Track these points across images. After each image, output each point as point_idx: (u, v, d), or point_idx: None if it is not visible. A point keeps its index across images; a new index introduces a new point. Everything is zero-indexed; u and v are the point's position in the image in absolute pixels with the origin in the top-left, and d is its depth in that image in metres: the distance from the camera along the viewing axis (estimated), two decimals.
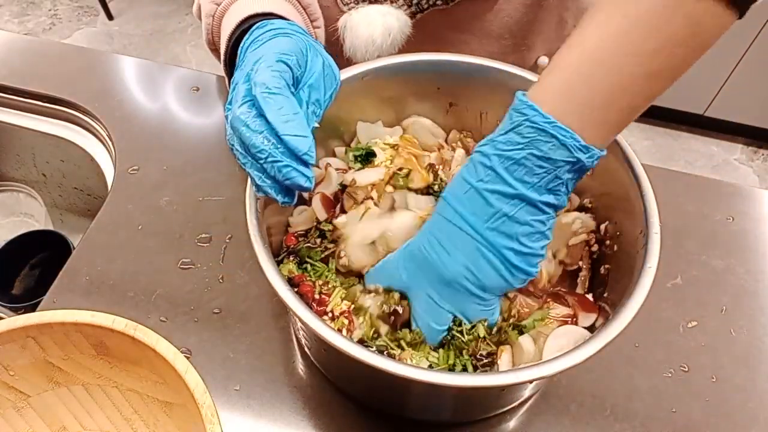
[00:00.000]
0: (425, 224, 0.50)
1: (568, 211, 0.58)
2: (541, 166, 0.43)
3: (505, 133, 0.44)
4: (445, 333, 0.49)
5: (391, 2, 0.64)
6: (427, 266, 0.48)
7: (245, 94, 0.42)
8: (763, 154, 2.14)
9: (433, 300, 0.48)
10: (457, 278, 0.47)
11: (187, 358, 0.48)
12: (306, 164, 0.41)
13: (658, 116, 2.17)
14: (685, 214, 0.74)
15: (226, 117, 0.44)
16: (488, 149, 0.45)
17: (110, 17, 2.59)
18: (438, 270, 0.47)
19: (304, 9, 0.60)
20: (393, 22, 0.63)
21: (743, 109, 2.05)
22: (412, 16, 0.65)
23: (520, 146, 0.43)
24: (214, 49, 0.61)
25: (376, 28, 0.62)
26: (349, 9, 0.64)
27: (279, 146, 0.40)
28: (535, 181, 0.43)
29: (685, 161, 2.11)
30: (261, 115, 0.41)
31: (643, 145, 2.14)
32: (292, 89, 0.43)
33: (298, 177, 0.41)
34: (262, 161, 0.41)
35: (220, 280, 0.67)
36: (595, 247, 0.57)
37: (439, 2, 0.65)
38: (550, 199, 0.44)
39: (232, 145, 0.43)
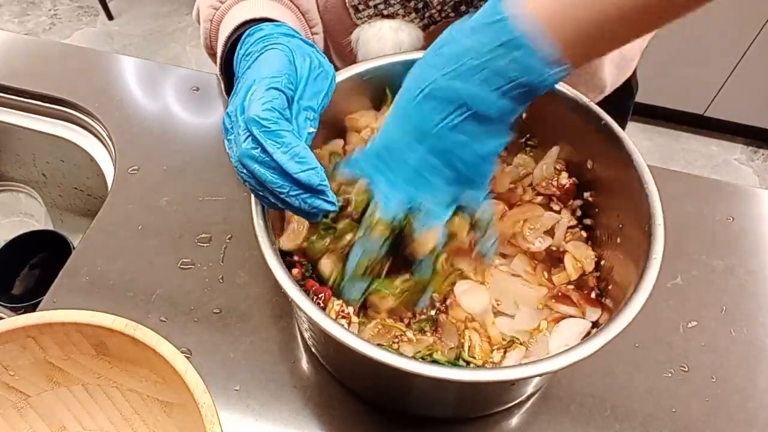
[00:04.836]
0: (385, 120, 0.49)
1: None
2: (498, 75, 0.42)
3: (473, 31, 0.43)
4: (403, 212, 0.48)
5: (404, 16, 0.64)
6: (389, 158, 0.47)
7: (245, 128, 0.42)
8: (763, 154, 2.14)
9: (394, 181, 0.47)
10: (418, 170, 0.46)
11: (187, 358, 0.48)
12: (323, 192, 0.43)
13: (658, 116, 2.17)
14: (685, 214, 0.74)
15: (225, 127, 0.45)
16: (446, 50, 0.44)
17: (110, 17, 2.59)
18: (399, 166, 0.47)
19: (303, 15, 0.60)
20: (404, 37, 0.63)
21: (743, 109, 2.04)
22: (425, 28, 0.65)
23: (482, 55, 0.42)
24: (213, 53, 0.61)
25: (387, 43, 0.63)
26: (362, 23, 0.64)
27: (294, 183, 0.42)
28: (488, 87, 0.42)
29: (685, 161, 2.11)
30: (266, 150, 0.42)
31: (643, 145, 2.14)
32: (287, 113, 0.44)
33: (323, 204, 0.43)
34: (284, 195, 0.43)
35: (220, 280, 0.67)
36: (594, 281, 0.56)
37: (452, 14, 0.65)
38: (502, 104, 0.43)
39: (242, 173, 0.44)
